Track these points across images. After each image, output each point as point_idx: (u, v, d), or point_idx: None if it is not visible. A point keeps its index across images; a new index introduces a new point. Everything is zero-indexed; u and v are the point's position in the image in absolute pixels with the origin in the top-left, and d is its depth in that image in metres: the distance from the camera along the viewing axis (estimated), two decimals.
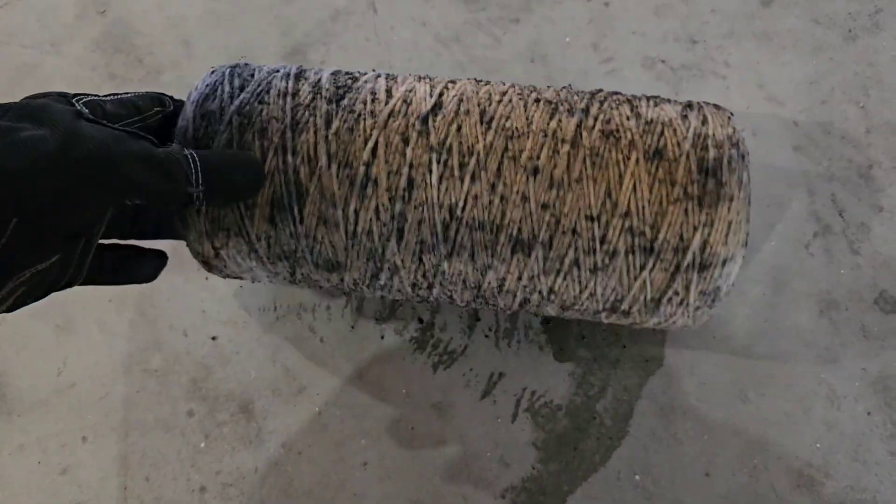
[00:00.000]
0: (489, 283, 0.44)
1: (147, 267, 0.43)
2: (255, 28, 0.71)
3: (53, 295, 0.35)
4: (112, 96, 0.39)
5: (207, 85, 0.45)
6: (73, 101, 0.36)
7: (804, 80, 0.64)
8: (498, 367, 0.58)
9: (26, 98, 0.35)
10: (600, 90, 0.46)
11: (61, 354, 0.61)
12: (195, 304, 0.61)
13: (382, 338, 0.59)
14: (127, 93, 0.41)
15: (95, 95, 0.38)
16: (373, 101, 0.44)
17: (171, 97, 0.44)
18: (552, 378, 0.58)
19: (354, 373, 0.59)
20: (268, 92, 0.44)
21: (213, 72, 0.46)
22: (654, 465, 0.55)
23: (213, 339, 0.60)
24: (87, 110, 0.35)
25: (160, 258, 0.44)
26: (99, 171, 0.31)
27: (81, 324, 0.62)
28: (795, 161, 0.61)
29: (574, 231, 0.41)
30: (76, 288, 0.37)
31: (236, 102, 0.43)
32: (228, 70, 0.46)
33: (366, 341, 0.59)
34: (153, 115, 0.41)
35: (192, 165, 0.36)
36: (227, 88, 0.44)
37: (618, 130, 0.42)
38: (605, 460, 0.55)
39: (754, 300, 0.58)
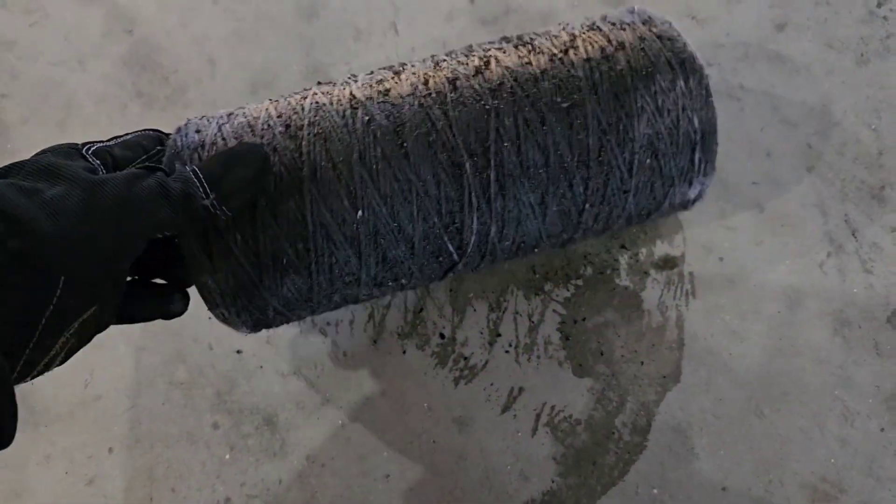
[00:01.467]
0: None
1: (171, 302, 0.42)
2: (278, 47, 0.72)
3: None
4: (117, 140, 0.41)
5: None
6: (83, 151, 0.37)
7: (817, 103, 0.65)
8: (518, 382, 0.59)
9: (36, 154, 0.36)
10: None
11: (88, 367, 0.62)
12: None
13: (404, 353, 0.60)
14: (128, 134, 0.42)
15: (101, 142, 0.39)
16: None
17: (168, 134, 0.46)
18: (571, 393, 0.59)
19: (377, 387, 0.60)
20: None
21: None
22: (671, 480, 0.56)
23: (238, 352, 0.61)
24: (97, 161, 0.37)
25: (184, 296, 0.43)
26: (125, 215, 0.33)
27: (107, 337, 0.62)
28: (809, 182, 0.63)
29: None
30: None
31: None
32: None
33: (388, 356, 0.60)
34: (156, 153, 0.43)
35: (197, 179, 0.37)
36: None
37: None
38: (623, 475, 0.56)
39: (769, 318, 0.59)
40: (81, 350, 0.35)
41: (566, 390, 0.59)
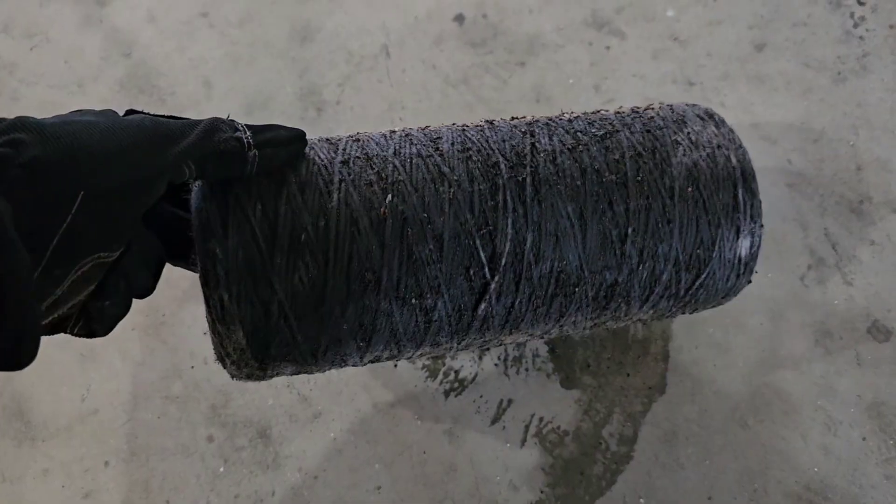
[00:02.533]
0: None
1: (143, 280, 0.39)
2: (272, 70, 0.74)
3: None
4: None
5: None
6: None
7: (796, 121, 0.67)
8: (507, 395, 0.60)
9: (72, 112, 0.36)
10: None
11: (84, 382, 0.63)
12: None
13: (395, 366, 0.62)
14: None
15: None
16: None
17: None
18: (559, 405, 0.60)
19: (368, 400, 0.61)
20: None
21: None
22: (657, 489, 0.57)
23: None
24: None
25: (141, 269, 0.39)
26: (154, 137, 0.33)
27: (104, 352, 0.64)
28: (789, 197, 0.64)
29: None
30: None
31: None
32: None
33: (379, 369, 0.62)
34: None
35: (235, 123, 0.37)
36: None
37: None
38: (610, 484, 0.58)
39: (752, 330, 0.61)
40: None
41: (554, 402, 0.60)
